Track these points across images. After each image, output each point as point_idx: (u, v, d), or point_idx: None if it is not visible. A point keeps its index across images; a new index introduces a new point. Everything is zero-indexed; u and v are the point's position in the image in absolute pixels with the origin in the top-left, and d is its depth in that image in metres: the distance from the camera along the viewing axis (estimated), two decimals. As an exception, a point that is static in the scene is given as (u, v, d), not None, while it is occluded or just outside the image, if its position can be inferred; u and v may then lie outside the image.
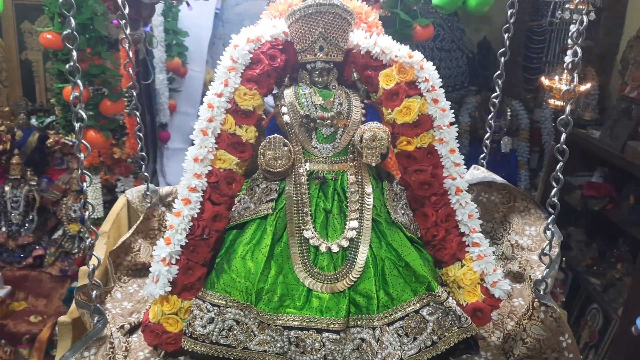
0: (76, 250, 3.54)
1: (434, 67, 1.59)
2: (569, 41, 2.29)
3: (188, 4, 3.56)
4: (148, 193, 1.88)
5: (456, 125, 1.64)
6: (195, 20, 4.09)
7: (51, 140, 3.71)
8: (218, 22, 4.19)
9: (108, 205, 2.84)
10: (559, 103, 2.45)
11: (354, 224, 1.58)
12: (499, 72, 1.87)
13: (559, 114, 3.52)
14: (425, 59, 1.59)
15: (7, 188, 3.62)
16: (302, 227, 1.57)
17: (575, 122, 3.33)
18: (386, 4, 2.46)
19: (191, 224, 1.53)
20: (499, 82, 1.88)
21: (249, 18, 4.12)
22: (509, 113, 3.68)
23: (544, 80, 2.52)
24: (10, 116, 3.86)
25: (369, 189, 1.63)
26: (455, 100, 3.91)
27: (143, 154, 1.86)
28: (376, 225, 1.60)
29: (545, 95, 3.50)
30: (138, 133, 1.85)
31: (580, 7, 1.50)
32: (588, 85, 2.41)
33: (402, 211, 1.66)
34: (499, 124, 3.70)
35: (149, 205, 1.87)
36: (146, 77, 3.68)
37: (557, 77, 2.43)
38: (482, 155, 1.99)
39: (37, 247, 3.59)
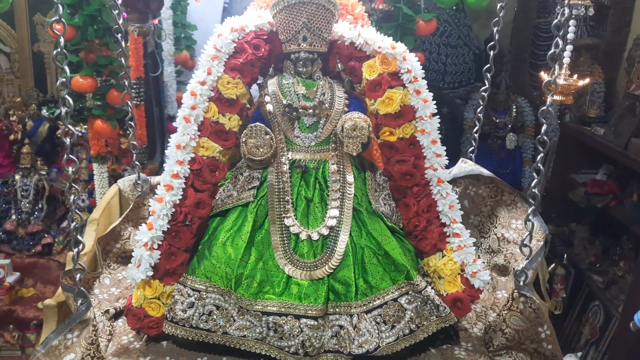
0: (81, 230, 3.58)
1: (417, 59, 1.60)
2: (570, 35, 2.27)
3: (196, -4, 3.59)
4: (139, 182, 1.92)
5: (439, 117, 1.64)
6: (204, 14, 4.13)
7: (61, 130, 3.77)
8: (226, 15, 4.17)
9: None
10: (557, 97, 2.42)
11: (335, 212, 1.59)
12: (488, 65, 1.87)
13: (564, 110, 3.50)
14: (407, 50, 1.59)
15: (17, 177, 3.68)
16: (283, 214, 1.59)
17: (581, 120, 3.31)
18: (389, -2, 2.46)
19: (173, 210, 1.56)
20: (488, 75, 1.88)
21: (257, 12, 4.14)
22: (514, 109, 3.64)
23: (543, 75, 2.49)
24: (22, 107, 3.93)
25: (350, 178, 1.64)
26: (461, 97, 3.87)
27: (134, 142, 1.90)
28: (357, 214, 1.61)
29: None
30: (129, 122, 1.89)
31: (562, -1, 1.49)
32: (586, 81, 2.37)
33: (384, 201, 1.67)
34: (505, 121, 3.66)
35: (139, 193, 1.90)
36: (154, 70, 3.72)
37: (556, 72, 2.39)
38: (470, 149, 1.98)
39: (45, 235, 3.63)
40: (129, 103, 1.87)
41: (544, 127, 1.48)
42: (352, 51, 1.64)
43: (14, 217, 3.65)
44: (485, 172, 1.86)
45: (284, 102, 1.64)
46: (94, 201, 2.99)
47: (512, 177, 3.68)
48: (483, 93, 1.92)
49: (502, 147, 3.72)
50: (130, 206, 1.87)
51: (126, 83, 1.85)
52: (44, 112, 3.93)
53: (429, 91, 1.63)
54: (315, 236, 1.58)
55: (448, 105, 3.69)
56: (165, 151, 1.58)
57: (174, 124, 1.58)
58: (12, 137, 3.75)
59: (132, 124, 1.89)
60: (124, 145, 3.48)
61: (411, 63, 1.59)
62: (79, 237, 1.51)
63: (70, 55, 2.73)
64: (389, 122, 1.63)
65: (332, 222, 1.58)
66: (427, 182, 1.64)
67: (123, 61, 1.84)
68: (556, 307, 3.03)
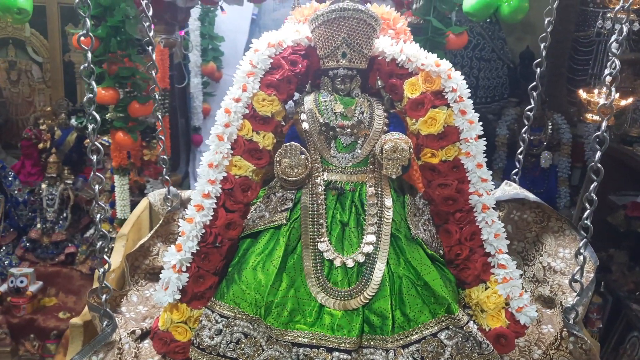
0: (107, 249, 3.57)
1: (463, 77, 1.51)
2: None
3: (222, 9, 3.56)
4: (169, 197, 1.86)
5: (485, 138, 1.55)
6: (232, 25, 4.12)
7: (88, 140, 3.76)
8: (255, 27, 4.20)
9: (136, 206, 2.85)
10: (596, 118, 2.30)
11: (371, 238, 1.51)
12: (534, 83, 1.78)
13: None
14: (453, 68, 1.51)
15: (43, 186, 3.69)
16: (317, 239, 1.51)
17: (622, 139, 3.17)
18: (418, 11, 2.38)
19: (203, 231, 1.50)
20: (534, 94, 1.79)
21: (286, 24, 4.12)
22: (549, 126, 3.52)
23: (582, 94, 2.38)
24: (52, 116, 3.96)
25: (388, 202, 1.56)
26: (494, 112, 3.77)
27: (164, 157, 1.85)
28: (395, 240, 1.53)
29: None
30: (160, 136, 1.84)
31: (620, 15, 1.38)
32: (629, 100, 2.26)
33: (424, 227, 1.58)
34: (539, 138, 3.54)
35: (169, 208, 1.84)
36: (181, 81, 3.71)
37: (596, 91, 2.28)
38: (514, 171, 1.88)
39: (69, 244, 3.64)
40: (159, 116, 1.82)
41: (598, 154, 1.39)
42: (393, 68, 1.56)
43: (38, 225, 3.65)
44: (531, 196, 1.75)
45: (321, 120, 1.57)
46: (115, 213, 2.96)
47: (546, 197, 3.55)
48: (528, 113, 1.82)
49: (537, 165, 3.60)
50: (160, 221, 1.81)
51: (156, 96, 1.80)
52: (73, 121, 3.94)
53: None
54: (350, 263, 1.49)
55: (479, 121, 3.59)
56: (190, 162, 1.52)
57: (207, 142, 1.52)
58: (41, 145, 3.77)
59: (162, 138, 1.83)
60: (147, 157, 3.46)
61: (456, 82, 1.50)
62: (105, 257, 1.45)
63: (94, 66, 2.73)
64: (431, 143, 1.54)
65: (369, 249, 1.50)
66: (470, 208, 1.54)
67: (154, 74, 1.78)
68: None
